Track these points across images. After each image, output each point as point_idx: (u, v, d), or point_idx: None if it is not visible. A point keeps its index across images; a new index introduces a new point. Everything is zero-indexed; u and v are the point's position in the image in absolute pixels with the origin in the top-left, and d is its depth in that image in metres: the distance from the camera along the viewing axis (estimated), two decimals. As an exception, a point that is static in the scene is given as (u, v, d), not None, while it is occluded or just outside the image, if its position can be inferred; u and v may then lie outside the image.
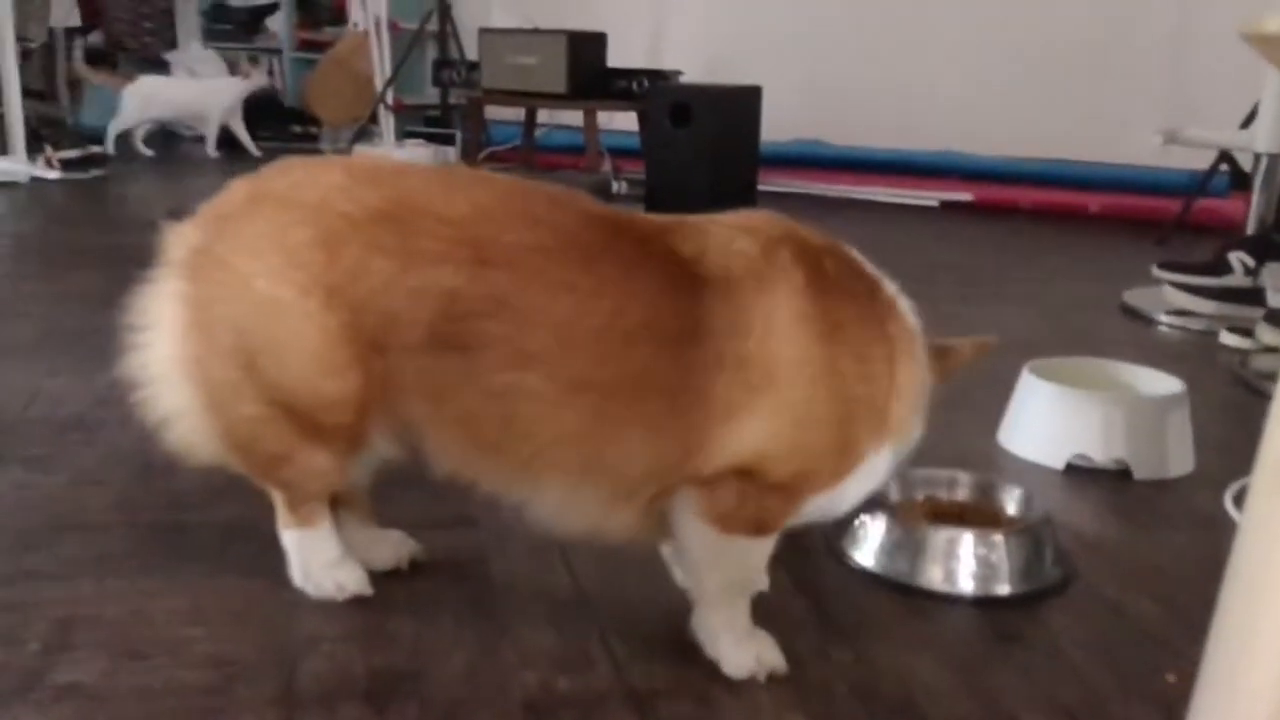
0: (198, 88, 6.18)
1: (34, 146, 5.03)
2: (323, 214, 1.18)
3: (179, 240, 1.24)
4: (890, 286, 1.23)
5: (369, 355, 1.18)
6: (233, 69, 6.79)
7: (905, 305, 1.22)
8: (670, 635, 1.24)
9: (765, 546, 1.22)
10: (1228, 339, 2.77)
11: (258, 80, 6.21)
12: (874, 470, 1.20)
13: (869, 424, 1.16)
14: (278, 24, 7.10)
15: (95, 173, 5.08)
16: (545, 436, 1.16)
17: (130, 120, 5.95)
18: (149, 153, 5.98)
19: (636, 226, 1.20)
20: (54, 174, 4.92)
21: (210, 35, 7.18)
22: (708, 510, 1.16)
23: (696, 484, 1.16)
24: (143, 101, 5.93)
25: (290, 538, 1.34)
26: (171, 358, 1.23)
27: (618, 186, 4.91)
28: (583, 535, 1.22)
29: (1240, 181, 4.12)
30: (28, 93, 5.24)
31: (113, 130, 5.92)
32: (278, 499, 1.32)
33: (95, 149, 5.40)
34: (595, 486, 1.18)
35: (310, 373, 1.18)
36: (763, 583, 1.39)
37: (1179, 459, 1.88)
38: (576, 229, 1.17)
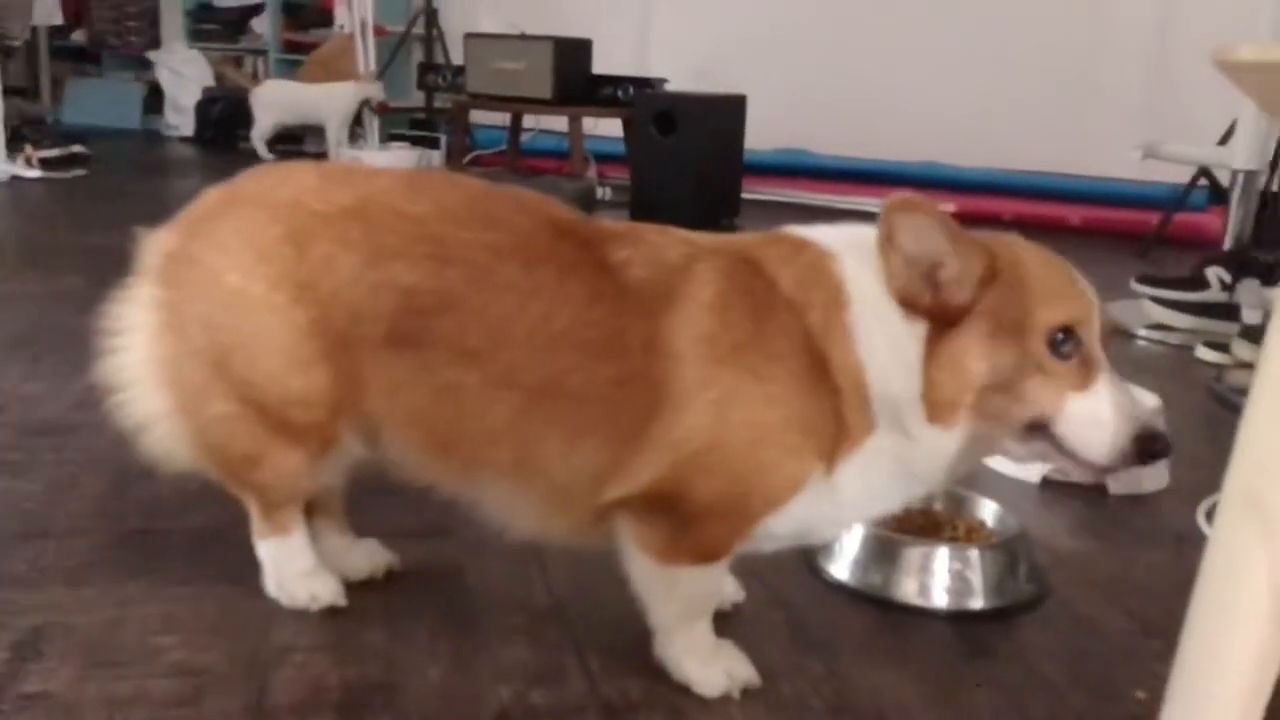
0: (315, 92, 6.01)
1: (14, 145, 5.00)
2: (294, 212, 1.19)
3: (154, 246, 1.25)
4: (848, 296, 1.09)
5: (337, 351, 1.18)
6: (217, 72, 6.74)
7: (867, 314, 1.08)
8: (645, 649, 1.24)
9: (713, 573, 1.18)
10: (1204, 354, 2.79)
11: (370, 83, 5.85)
12: (851, 487, 1.11)
13: (797, 446, 1.09)
14: (263, 25, 7.09)
15: (77, 172, 5.05)
16: (481, 435, 1.15)
17: (268, 126, 5.85)
18: (270, 156, 5.81)
19: (583, 232, 1.18)
20: (34, 173, 4.89)
21: (195, 36, 7.17)
22: (645, 540, 1.14)
23: (627, 512, 1.13)
24: (270, 105, 5.87)
25: (265, 547, 1.33)
26: (146, 361, 1.24)
27: (603, 193, 4.92)
28: (533, 537, 1.23)
29: (1219, 196, 4.16)
30: (9, 90, 5.21)
31: (256, 137, 5.86)
32: (252, 507, 1.32)
33: (76, 148, 5.36)
34: (529, 490, 1.17)
35: (279, 368, 1.19)
36: (738, 594, 1.39)
37: (1153, 474, 1.89)
38: (530, 231, 1.17)
